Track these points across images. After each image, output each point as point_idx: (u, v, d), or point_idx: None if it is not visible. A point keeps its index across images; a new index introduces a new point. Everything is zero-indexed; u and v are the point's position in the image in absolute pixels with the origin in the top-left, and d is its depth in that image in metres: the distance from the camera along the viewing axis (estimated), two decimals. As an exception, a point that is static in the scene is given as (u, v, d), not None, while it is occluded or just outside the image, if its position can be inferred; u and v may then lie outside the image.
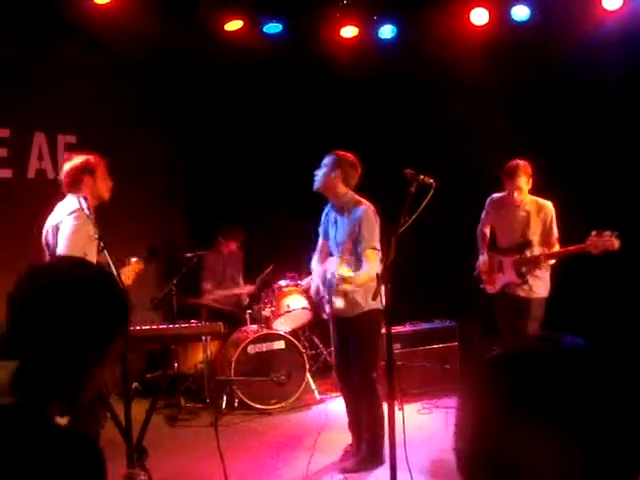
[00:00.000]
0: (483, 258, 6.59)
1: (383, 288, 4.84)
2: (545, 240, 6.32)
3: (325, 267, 5.84)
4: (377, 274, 5.03)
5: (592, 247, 5.81)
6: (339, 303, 5.62)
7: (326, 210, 5.99)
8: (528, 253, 6.32)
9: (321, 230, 6.05)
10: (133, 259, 5.48)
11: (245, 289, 8.87)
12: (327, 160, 5.73)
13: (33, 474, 1.49)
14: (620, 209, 6.91)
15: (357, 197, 5.74)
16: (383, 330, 5.17)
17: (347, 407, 5.99)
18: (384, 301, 4.90)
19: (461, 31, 7.95)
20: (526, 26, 7.78)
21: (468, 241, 6.76)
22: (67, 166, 5.41)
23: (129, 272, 5.42)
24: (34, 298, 1.69)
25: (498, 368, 1.13)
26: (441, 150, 8.27)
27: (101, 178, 5.38)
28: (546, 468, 1.02)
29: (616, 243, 5.73)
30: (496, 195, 6.54)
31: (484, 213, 6.66)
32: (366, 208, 5.62)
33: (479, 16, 7.86)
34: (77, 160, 5.40)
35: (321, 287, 5.89)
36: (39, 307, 1.68)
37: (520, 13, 7.78)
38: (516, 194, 6.24)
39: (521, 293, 6.34)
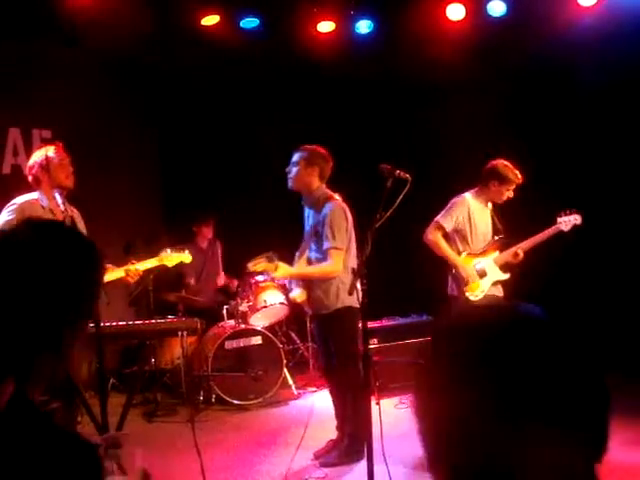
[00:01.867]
0: (465, 265, 6.22)
1: (359, 284, 4.83)
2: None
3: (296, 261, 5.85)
4: (353, 269, 5.03)
5: (563, 225, 6.22)
6: (293, 293, 5.65)
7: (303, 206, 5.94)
8: (504, 250, 6.32)
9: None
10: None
11: (222, 280, 8.87)
12: (299, 157, 5.65)
13: (29, 476, 1.46)
14: (586, 199, 6.97)
15: (329, 192, 5.69)
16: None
17: (333, 401, 5.99)
18: (360, 297, 4.88)
19: (437, 26, 7.98)
20: (502, 21, 7.82)
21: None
22: (28, 164, 5.51)
23: (133, 272, 5.45)
24: None
25: (453, 339, 1.12)
26: (417, 145, 8.30)
27: (57, 169, 5.34)
28: (506, 438, 1.02)
29: (579, 217, 6.23)
30: (470, 194, 6.30)
31: (451, 214, 6.23)
32: (334, 206, 5.55)
33: (455, 11, 7.90)
34: (32, 159, 5.46)
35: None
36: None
37: (496, 8, 7.82)
38: (508, 196, 6.19)
39: (498, 293, 6.34)
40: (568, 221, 6.25)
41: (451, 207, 6.26)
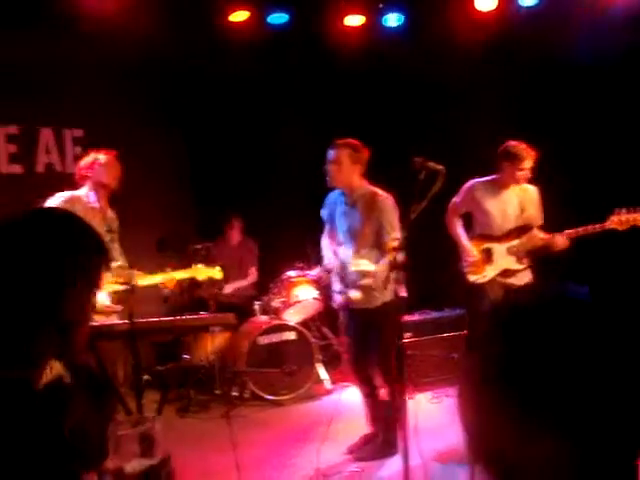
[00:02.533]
0: (467, 247, 6.19)
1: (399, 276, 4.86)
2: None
3: (340, 258, 5.77)
4: (391, 262, 5.00)
5: (617, 224, 5.80)
6: (355, 294, 5.56)
7: (333, 197, 5.83)
8: (525, 238, 6.16)
9: (326, 216, 5.91)
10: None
11: (252, 277, 8.88)
12: (340, 153, 5.51)
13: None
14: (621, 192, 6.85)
15: (372, 187, 5.60)
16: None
17: (364, 398, 5.95)
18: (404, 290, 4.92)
19: (467, 18, 7.91)
20: (533, 11, 7.74)
21: (469, 229, 6.63)
22: (82, 162, 5.80)
23: (169, 280, 5.59)
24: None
25: (497, 322, 1.09)
26: (448, 137, 8.24)
27: (108, 170, 5.67)
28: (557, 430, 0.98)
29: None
30: (482, 179, 6.21)
31: (461, 199, 6.24)
32: (386, 199, 5.49)
33: (486, 2, 7.82)
34: (86, 158, 5.77)
35: (334, 277, 5.86)
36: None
37: (528, -2, 7.75)
38: (521, 175, 6.05)
39: (514, 281, 6.19)
40: (626, 220, 5.82)
41: (461, 191, 6.25)
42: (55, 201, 5.51)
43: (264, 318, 7.88)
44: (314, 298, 7.81)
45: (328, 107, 9.13)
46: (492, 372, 1.03)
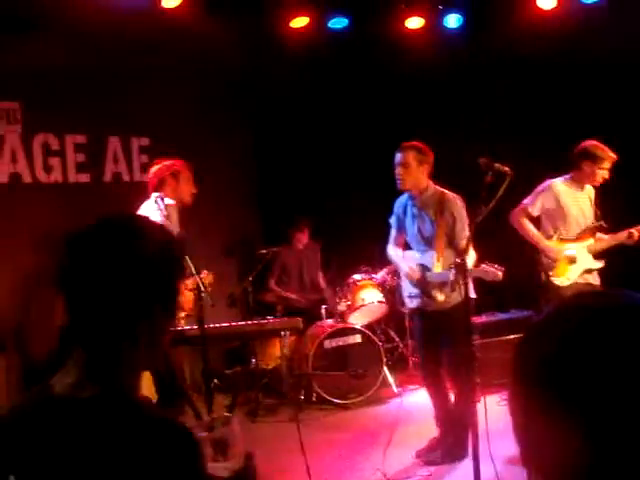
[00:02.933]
0: (554, 248, 6.14)
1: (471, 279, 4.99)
2: None
3: (417, 261, 5.75)
4: (456, 263, 5.00)
5: None
6: (441, 297, 5.55)
7: (402, 201, 5.85)
8: (599, 237, 6.18)
9: (394, 221, 5.93)
10: (204, 272, 5.55)
11: (322, 282, 8.93)
12: (408, 156, 5.53)
13: (132, 464, 1.49)
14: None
15: (440, 188, 5.61)
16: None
17: (434, 401, 5.93)
18: (472, 291, 5.04)
19: (528, 16, 7.82)
20: (596, 7, 7.62)
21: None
22: (154, 168, 5.68)
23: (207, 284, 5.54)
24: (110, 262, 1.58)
25: (550, 325, 1.06)
26: (514, 137, 8.17)
27: (184, 182, 5.62)
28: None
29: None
30: (560, 179, 6.18)
31: (538, 200, 6.17)
32: (455, 198, 5.50)
33: (546, 0, 7.73)
34: (163, 163, 5.67)
35: (404, 281, 5.85)
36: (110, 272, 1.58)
37: (589, -5, 7.63)
38: (602, 176, 6.04)
39: (592, 280, 6.18)
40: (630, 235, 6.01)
41: (537, 192, 6.19)
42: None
43: (330, 321, 7.91)
44: (379, 301, 7.82)
45: (390, 110, 9.12)
46: (544, 373, 1.02)
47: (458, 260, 4.87)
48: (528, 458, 1.07)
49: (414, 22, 8.26)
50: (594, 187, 6.19)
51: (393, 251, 5.97)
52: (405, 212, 5.81)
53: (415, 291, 5.72)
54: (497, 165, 4.80)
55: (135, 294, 1.58)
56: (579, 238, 6.16)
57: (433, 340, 5.75)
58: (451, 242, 5.45)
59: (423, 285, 5.65)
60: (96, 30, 7.42)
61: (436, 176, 5.76)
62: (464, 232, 5.38)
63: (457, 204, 5.47)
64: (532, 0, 7.76)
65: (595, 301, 1.07)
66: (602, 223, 6.20)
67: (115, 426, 1.52)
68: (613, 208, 6.31)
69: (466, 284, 4.72)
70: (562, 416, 0.98)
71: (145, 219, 1.80)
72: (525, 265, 6.31)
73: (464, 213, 5.46)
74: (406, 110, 8.97)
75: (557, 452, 1.00)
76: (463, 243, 5.27)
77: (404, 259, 5.85)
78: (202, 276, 5.42)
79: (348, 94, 9.11)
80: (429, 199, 5.61)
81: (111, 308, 1.57)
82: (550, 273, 6.12)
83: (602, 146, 5.97)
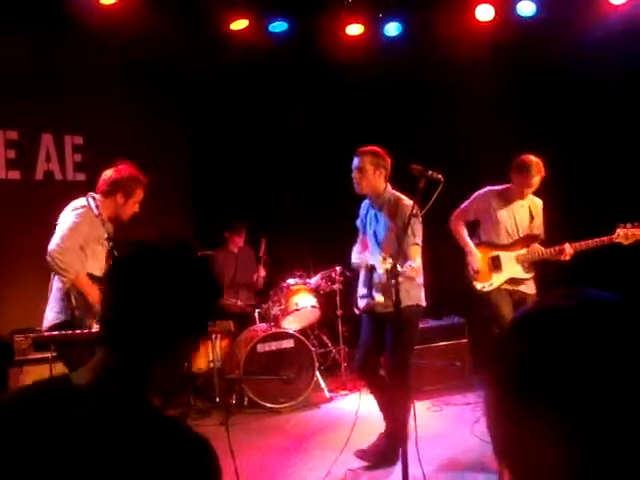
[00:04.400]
0: (476, 254, 6.26)
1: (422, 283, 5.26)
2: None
3: (367, 262, 5.73)
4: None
5: (623, 238, 5.95)
6: (380, 298, 5.56)
7: (364, 205, 5.89)
8: (531, 248, 6.28)
9: (359, 223, 5.96)
10: None
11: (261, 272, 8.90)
12: (365, 160, 5.57)
13: (146, 466, 1.51)
14: (627, 204, 6.87)
15: (397, 193, 5.64)
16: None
17: (378, 403, 5.89)
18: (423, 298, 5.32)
19: (466, 27, 7.93)
20: (532, 21, 7.77)
21: (472, 236, 6.62)
22: (110, 172, 5.49)
23: None
24: (135, 280, 1.73)
25: (520, 331, 1.07)
26: (448, 146, 8.27)
27: (131, 204, 5.48)
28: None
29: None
30: (495, 188, 6.30)
31: (472, 206, 6.32)
32: (410, 204, 5.53)
33: (484, 12, 7.85)
34: (121, 173, 5.48)
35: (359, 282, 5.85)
36: (141, 289, 1.72)
37: (526, 9, 7.77)
38: (528, 190, 6.17)
39: (525, 289, 6.28)
40: (632, 234, 5.97)
41: (472, 198, 6.33)
42: (76, 219, 5.23)
43: (263, 326, 7.89)
44: (313, 306, 7.82)
45: (327, 115, 9.15)
46: (517, 377, 1.02)
47: (389, 264, 4.89)
48: (504, 457, 1.07)
49: (354, 29, 8.30)
50: (533, 198, 6.30)
51: (355, 253, 5.99)
52: (366, 214, 5.85)
53: (364, 291, 5.74)
54: (430, 172, 4.85)
55: (173, 318, 1.72)
56: (508, 247, 6.25)
57: (375, 342, 5.74)
58: (401, 246, 5.47)
59: (370, 285, 5.66)
60: (31, 25, 7.31)
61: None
62: (412, 238, 5.41)
63: (411, 211, 5.48)
64: (471, 11, 7.86)
65: (559, 302, 1.07)
66: (539, 235, 6.29)
67: (132, 425, 1.57)
68: (561, 223, 6.42)
69: (397, 289, 4.73)
70: (541, 417, 0.99)
71: (188, 247, 1.92)
72: (458, 272, 6.37)
73: (417, 221, 5.45)
74: (343, 115, 9.01)
75: (536, 451, 1.00)
76: (410, 249, 5.37)
77: (361, 259, 5.86)
78: None
79: (285, 98, 9.12)
80: (386, 202, 5.64)
81: (152, 325, 1.71)
82: (473, 276, 6.24)
83: (529, 158, 6.07)
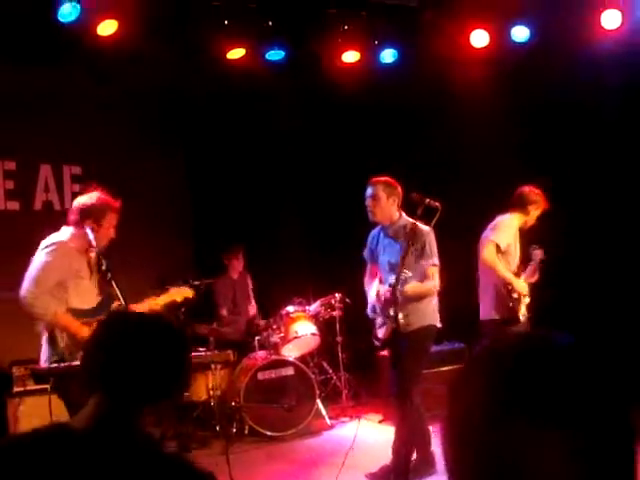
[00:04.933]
0: (520, 281, 6.30)
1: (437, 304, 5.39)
2: None
3: (378, 290, 5.75)
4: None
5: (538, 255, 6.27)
6: (401, 317, 5.57)
7: (374, 234, 5.98)
8: (526, 271, 6.37)
9: (367, 254, 6.03)
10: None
11: (253, 310, 8.88)
12: (378, 190, 5.70)
13: None
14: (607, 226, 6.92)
15: (411, 219, 5.66)
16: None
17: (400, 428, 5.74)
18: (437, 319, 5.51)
19: (462, 53, 7.98)
20: (526, 47, 7.81)
21: (474, 263, 6.63)
22: (78, 201, 5.34)
23: (172, 296, 5.47)
24: (127, 343, 2.04)
25: (487, 367, 1.11)
26: (445, 172, 8.30)
27: (104, 228, 5.25)
28: (542, 468, 1.00)
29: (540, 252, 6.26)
30: (515, 216, 6.41)
31: (506, 232, 6.35)
32: (429, 232, 5.56)
33: (479, 38, 7.90)
34: (89, 200, 5.27)
35: (377, 309, 5.81)
36: (133, 350, 2.03)
37: (520, 34, 7.81)
38: (533, 223, 6.30)
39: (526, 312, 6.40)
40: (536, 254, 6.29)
41: (505, 227, 6.37)
42: (48, 258, 5.12)
43: (263, 353, 7.86)
44: (312, 333, 7.81)
45: (325, 141, 9.19)
46: (476, 417, 1.06)
47: (391, 283, 4.95)
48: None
49: (350, 56, 8.34)
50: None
51: (366, 283, 6.01)
52: (377, 243, 5.93)
53: (380, 320, 5.71)
54: (428, 200, 4.91)
55: (153, 372, 2.03)
56: (517, 274, 6.34)
57: (395, 365, 5.65)
58: (419, 269, 5.49)
59: (389, 305, 5.57)
60: (29, 56, 7.35)
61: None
62: (431, 260, 5.53)
63: (429, 235, 5.52)
64: (465, 37, 7.91)
65: (525, 343, 1.13)
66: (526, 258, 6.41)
67: (137, 467, 1.74)
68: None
69: (396, 311, 4.87)
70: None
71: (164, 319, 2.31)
72: (458, 298, 6.38)
73: (434, 241, 5.58)
74: (340, 141, 9.04)
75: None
76: (428, 270, 5.50)
77: (372, 289, 5.88)
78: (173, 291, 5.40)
79: (283, 125, 9.15)
80: (401, 229, 5.71)
81: (136, 377, 2.00)
82: (517, 308, 6.27)
83: (542, 194, 6.27)
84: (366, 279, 6.06)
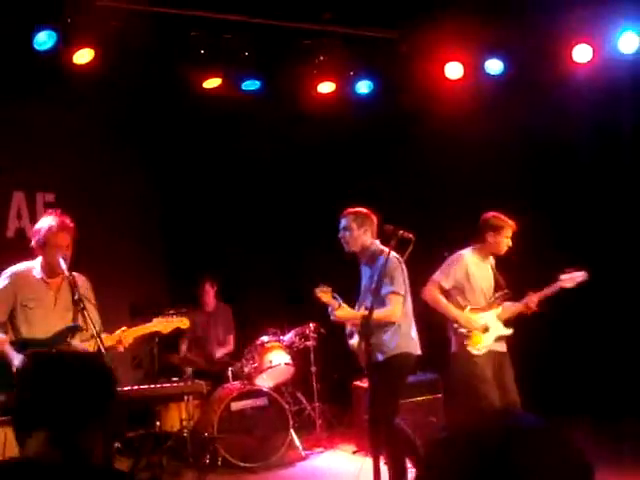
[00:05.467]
0: (466, 316, 6.21)
1: (415, 332, 5.45)
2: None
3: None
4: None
5: (567, 282, 6.17)
6: (353, 340, 5.62)
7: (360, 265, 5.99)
8: (505, 305, 6.33)
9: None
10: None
11: (224, 349, 8.81)
12: (349, 221, 5.76)
13: None
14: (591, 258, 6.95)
15: (381, 247, 5.72)
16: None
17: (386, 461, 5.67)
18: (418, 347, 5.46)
19: (437, 85, 8.06)
20: (500, 79, 7.91)
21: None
22: (37, 226, 5.39)
23: (124, 341, 5.37)
24: (58, 381, 2.13)
25: (448, 451, 1.14)
26: (420, 202, 8.34)
27: (52, 251, 5.21)
28: None
29: (583, 274, 6.18)
30: (469, 251, 6.34)
31: (452, 273, 6.25)
32: (391, 256, 5.51)
33: (454, 70, 7.98)
34: (39, 224, 5.36)
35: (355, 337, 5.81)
36: (63, 388, 2.12)
37: (494, 67, 7.91)
38: (504, 250, 6.26)
39: (501, 349, 6.34)
40: (571, 278, 6.19)
41: (449, 265, 6.30)
42: (3, 280, 5.25)
43: (236, 384, 7.80)
44: (287, 363, 7.77)
45: (301, 171, 9.21)
46: None
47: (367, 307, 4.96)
48: None
49: (325, 87, 8.39)
50: (496, 256, 6.37)
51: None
52: (363, 273, 5.95)
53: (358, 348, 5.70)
54: (401, 231, 4.93)
55: (82, 404, 2.14)
56: (487, 307, 6.28)
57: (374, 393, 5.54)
58: (379, 293, 5.50)
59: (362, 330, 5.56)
60: (4, 83, 7.32)
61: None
62: (390, 287, 5.52)
63: (391, 260, 5.50)
64: (440, 69, 7.98)
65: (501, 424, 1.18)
66: (507, 291, 6.34)
67: None
68: (513, 276, 6.49)
69: (368, 340, 4.92)
70: None
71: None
72: (431, 329, 6.37)
73: (394, 267, 5.55)
74: (317, 172, 9.07)
75: None
76: (387, 298, 5.50)
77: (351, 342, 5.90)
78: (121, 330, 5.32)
79: (258, 155, 9.17)
80: (370, 256, 5.78)
81: (68, 407, 2.11)
82: (465, 343, 6.20)
83: (502, 216, 6.20)
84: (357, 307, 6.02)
